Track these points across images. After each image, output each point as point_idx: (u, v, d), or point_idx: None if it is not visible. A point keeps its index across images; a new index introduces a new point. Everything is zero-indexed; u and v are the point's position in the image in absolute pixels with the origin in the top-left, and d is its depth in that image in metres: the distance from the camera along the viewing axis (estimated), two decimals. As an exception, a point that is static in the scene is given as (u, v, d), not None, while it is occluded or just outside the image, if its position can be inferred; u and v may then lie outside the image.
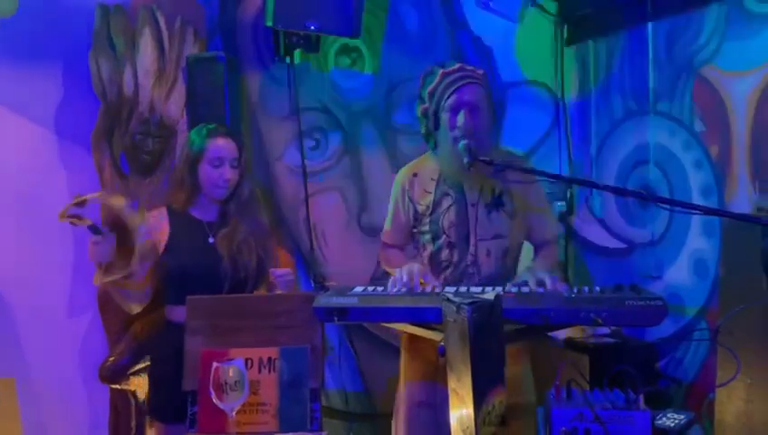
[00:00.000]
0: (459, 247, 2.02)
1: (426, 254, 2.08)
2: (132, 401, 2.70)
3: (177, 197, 2.15)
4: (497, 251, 2.01)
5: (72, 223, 1.88)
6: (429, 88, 1.98)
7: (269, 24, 2.80)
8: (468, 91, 1.93)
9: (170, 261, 2.10)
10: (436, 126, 1.99)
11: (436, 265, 2.06)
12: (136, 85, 2.82)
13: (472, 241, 2.00)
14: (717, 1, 2.60)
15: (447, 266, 2.04)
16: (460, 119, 1.90)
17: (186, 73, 2.81)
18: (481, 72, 1.99)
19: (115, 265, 2.00)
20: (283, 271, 2.11)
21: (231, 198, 2.15)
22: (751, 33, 2.45)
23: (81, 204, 1.91)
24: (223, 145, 2.11)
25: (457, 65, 1.98)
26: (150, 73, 2.82)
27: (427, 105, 2.00)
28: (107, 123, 2.83)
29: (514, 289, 1.73)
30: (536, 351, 2.38)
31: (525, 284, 1.77)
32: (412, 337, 2.05)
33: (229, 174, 2.10)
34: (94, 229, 1.90)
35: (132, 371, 2.67)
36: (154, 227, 2.13)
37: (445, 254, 2.04)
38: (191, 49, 2.90)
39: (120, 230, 1.97)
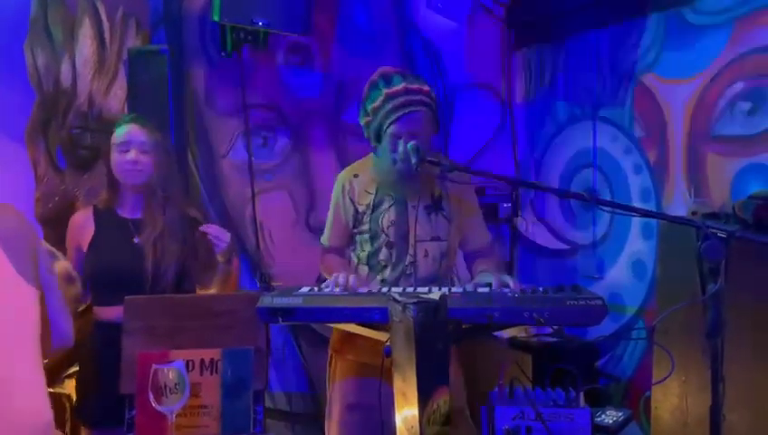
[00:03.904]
0: (398, 247, 2.02)
1: (363, 254, 2.07)
2: (67, 405, 2.60)
3: (101, 194, 2.13)
4: (435, 253, 2.02)
5: None
6: (372, 105, 1.95)
7: (215, 18, 2.74)
8: (411, 120, 1.90)
9: (93, 262, 2.04)
10: (378, 139, 1.98)
11: (373, 265, 2.05)
12: (74, 77, 2.71)
13: (411, 241, 2.01)
14: (657, 11, 2.69)
15: (385, 267, 2.03)
16: (400, 145, 1.90)
17: (127, 66, 2.73)
18: (427, 89, 1.95)
19: None
20: (217, 229, 2.05)
21: (152, 195, 2.07)
22: (689, 43, 2.55)
23: None
24: (127, 130, 2.07)
25: (402, 85, 1.92)
26: (90, 65, 2.72)
27: (369, 119, 1.98)
28: (42, 116, 2.71)
29: (483, 289, 1.74)
30: (481, 350, 2.41)
31: (489, 284, 1.78)
32: (342, 338, 2.04)
33: (136, 156, 2.04)
34: None
35: (67, 374, 2.58)
36: (80, 232, 2.08)
37: (383, 254, 2.03)
38: (133, 41, 2.82)
39: None
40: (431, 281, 1.97)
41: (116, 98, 2.78)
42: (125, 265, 2.02)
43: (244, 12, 2.76)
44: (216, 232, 2.04)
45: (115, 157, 2.06)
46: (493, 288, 1.75)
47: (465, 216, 2.09)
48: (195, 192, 3.12)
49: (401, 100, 1.91)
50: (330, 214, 2.14)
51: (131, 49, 2.75)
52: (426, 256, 2.02)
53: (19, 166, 2.72)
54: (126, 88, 2.77)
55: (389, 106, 1.91)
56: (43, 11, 2.70)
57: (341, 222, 2.10)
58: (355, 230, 2.09)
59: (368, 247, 2.05)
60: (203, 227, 2.05)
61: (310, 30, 2.96)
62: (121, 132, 2.07)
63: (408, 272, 2.01)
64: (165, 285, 2.03)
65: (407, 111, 1.90)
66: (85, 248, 2.06)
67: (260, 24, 2.80)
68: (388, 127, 1.91)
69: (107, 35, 2.77)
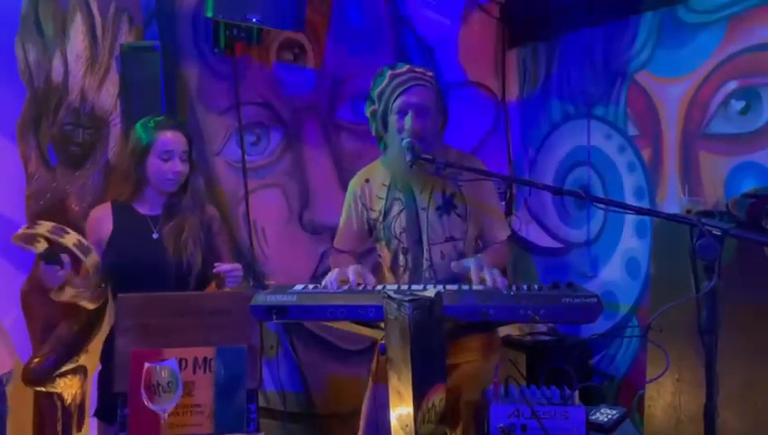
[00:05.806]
0: (413, 252, 2.02)
1: (386, 263, 2.08)
2: (58, 404, 2.58)
3: (120, 190, 2.11)
4: (451, 254, 2.00)
5: (24, 247, 1.84)
6: (378, 89, 1.97)
7: (209, 14, 2.73)
8: (416, 92, 1.92)
9: (112, 257, 2.04)
10: (385, 128, 1.98)
11: (395, 270, 2.07)
12: (65, 73, 2.69)
13: (425, 245, 2.00)
14: (652, 10, 2.69)
15: (405, 271, 2.04)
16: (407, 121, 1.90)
17: (119, 63, 2.71)
18: (430, 74, 1.99)
19: (70, 284, 1.95)
20: (230, 266, 2.05)
21: (180, 192, 2.11)
22: (683, 41, 2.55)
23: (34, 236, 1.84)
24: (172, 138, 2.07)
25: (406, 67, 1.97)
26: (81, 61, 2.70)
27: (375, 106, 1.99)
28: (34, 112, 2.69)
29: (453, 287, 1.74)
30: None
31: (468, 271, 1.77)
32: None
33: (179, 167, 2.06)
34: (49, 257, 1.84)
35: (58, 372, 2.56)
36: (98, 227, 2.09)
37: (401, 259, 2.04)
38: (126, 37, 2.80)
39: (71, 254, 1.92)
40: (452, 282, 1.95)
41: (108, 94, 2.76)
42: (145, 260, 2.04)
43: (238, 8, 2.74)
44: (229, 269, 2.04)
45: (154, 163, 2.05)
46: (466, 285, 1.73)
47: (480, 212, 2.06)
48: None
49: (406, 76, 1.95)
50: (342, 220, 2.15)
51: (124, 45, 2.73)
52: (442, 257, 2.00)
53: (10, 163, 2.69)
54: (118, 84, 2.75)
55: (395, 83, 1.94)
56: (34, 6, 2.68)
57: (353, 228, 2.11)
58: (371, 238, 2.10)
59: (387, 254, 2.06)
60: (216, 269, 2.04)
61: (303, 26, 2.95)
62: (165, 139, 2.05)
63: (426, 275, 2.01)
64: (189, 281, 2.06)
65: (412, 84, 1.93)
66: (104, 244, 2.07)
67: (253, 20, 2.79)
68: (393, 103, 1.93)
69: (99, 31, 2.75)
